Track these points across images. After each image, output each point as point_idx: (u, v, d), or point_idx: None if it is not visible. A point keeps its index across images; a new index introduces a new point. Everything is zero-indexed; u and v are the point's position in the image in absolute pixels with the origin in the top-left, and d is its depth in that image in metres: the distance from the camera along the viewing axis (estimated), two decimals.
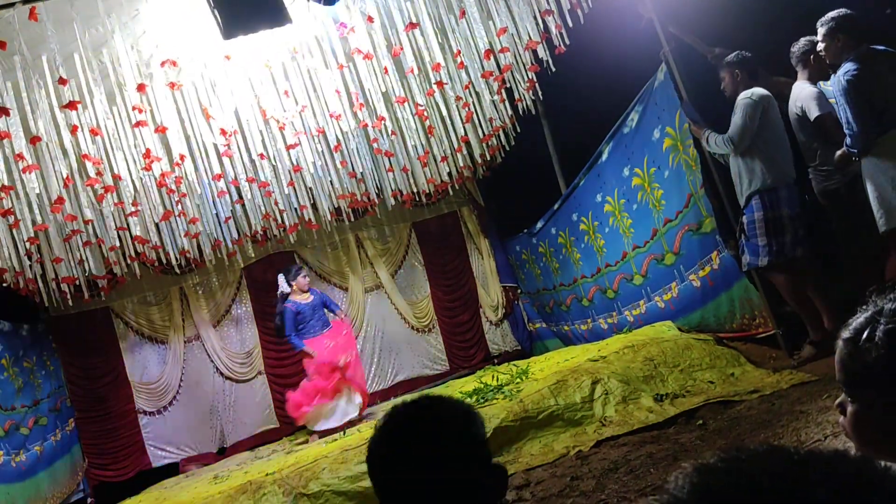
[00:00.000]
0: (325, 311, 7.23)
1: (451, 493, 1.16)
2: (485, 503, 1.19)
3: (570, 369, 5.20)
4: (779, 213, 4.69)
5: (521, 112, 6.54)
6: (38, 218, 5.26)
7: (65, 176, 5.14)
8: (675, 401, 4.65)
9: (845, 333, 1.12)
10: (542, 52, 5.47)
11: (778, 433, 3.60)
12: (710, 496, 0.51)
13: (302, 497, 4.44)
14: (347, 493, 4.41)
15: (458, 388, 6.72)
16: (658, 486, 3.44)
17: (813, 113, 4.51)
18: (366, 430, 5.70)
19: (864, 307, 1.11)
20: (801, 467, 0.51)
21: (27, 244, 5.52)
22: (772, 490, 0.49)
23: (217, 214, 6.80)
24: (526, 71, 6.00)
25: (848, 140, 4.20)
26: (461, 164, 7.60)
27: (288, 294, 7.07)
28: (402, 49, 5.33)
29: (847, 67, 4.17)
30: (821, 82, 4.65)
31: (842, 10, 4.31)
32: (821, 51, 4.43)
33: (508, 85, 6.30)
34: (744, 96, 4.75)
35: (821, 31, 4.39)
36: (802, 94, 4.63)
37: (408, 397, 1.31)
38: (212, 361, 8.45)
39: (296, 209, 7.11)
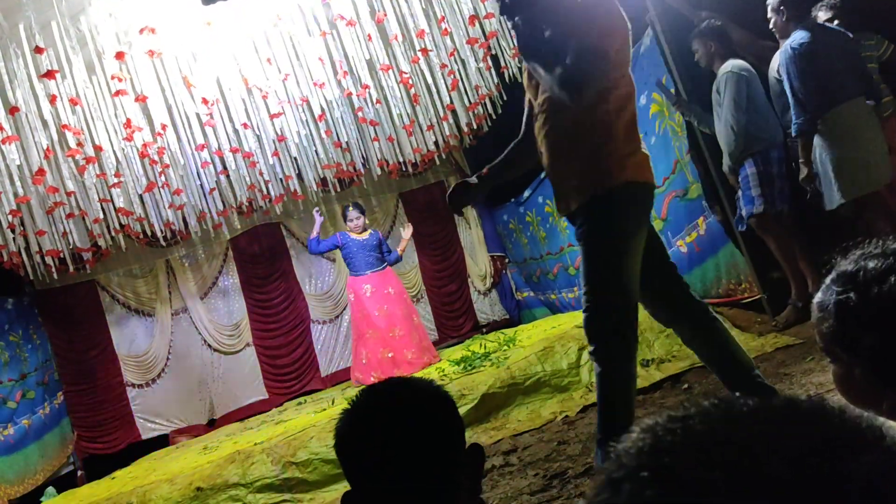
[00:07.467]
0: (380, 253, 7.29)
1: (424, 475, 1.14)
2: (461, 483, 1.17)
3: (556, 336, 5.22)
4: (770, 169, 4.69)
5: (507, 80, 6.48)
6: (20, 190, 5.19)
7: (45, 147, 5.06)
8: (661, 365, 4.69)
9: (816, 298, 1.13)
10: None
11: None
12: (656, 456, 0.48)
13: (290, 465, 4.46)
14: (335, 461, 4.41)
15: (446, 357, 6.76)
16: None
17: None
18: None
19: (832, 271, 1.11)
20: (752, 420, 0.49)
21: (9, 217, 5.46)
22: (721, 445, 0.47)
23: (201, 186, 6.73)
24: (511, 37, 5.94)
25: (793, 115, 4.17)
26: (447, 133, 7.53)
27: None
28: (385, 15, 5.26)
29: (796, 36, 4.11)
30: None
31: None
32: (771, 27, 4.41)
33: (494, 52, 6.23)
34: (724, 70, 4.69)
35: (769, 6, 4.36)
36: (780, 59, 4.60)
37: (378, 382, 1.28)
38: (199, 334, 8.43)
39: (281, 180, 7.04)
